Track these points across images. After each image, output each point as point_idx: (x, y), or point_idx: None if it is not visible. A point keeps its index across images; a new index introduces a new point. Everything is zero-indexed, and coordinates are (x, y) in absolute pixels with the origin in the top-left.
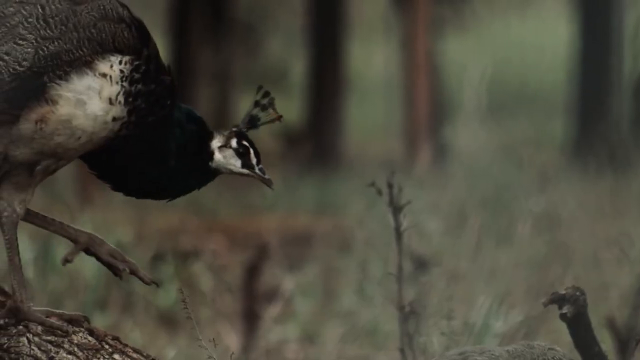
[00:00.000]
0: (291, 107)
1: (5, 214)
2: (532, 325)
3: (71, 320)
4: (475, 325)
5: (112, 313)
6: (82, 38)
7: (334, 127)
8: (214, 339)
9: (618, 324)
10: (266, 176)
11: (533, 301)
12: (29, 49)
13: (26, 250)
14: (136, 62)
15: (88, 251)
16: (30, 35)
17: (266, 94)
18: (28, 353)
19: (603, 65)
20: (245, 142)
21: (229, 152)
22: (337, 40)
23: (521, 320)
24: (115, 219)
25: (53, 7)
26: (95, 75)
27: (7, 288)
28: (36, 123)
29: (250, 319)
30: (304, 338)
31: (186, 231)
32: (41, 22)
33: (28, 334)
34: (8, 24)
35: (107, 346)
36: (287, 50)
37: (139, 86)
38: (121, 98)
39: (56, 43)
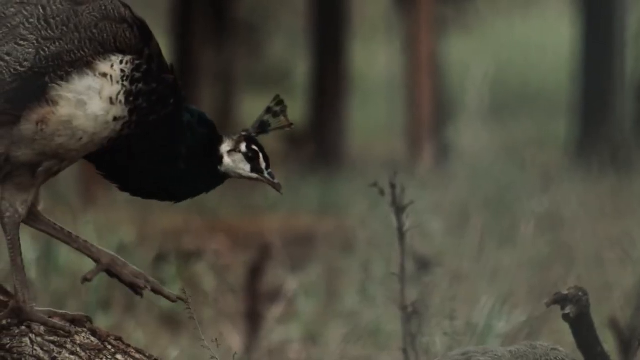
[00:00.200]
0: (294, 108)
1: (8, 214)
2: (534, 325)
3: (74, 321)
4: (477, 325)
5: (114, 313)
6: (84, 38)
7: (337, 127)
8: (216, 339)
9: (621, 324)
10: (275, 181)
11: (536, 301)
12: (30, 50)
13: (29, 250)
14: (137, 62)
15: (110, 272)
16: (32, 36)
17: (279, 102)
18: (31, 353)
19: (606, 65)
20: (254, 147)
21: (238, 157)
22: (340, 41)
23: (524, 321)
24: (118, 219)
25: (54, 7)
26: (95, 75)
27: (9, 288)
28: (37, 124)
29: (253, 319)
30: (307, 338)
31: (189, 231)
32: (42, 23)
33: (31, 334)
34: (9, 25)
35: (109, 346)
36: (289, 51)
37: (140, 85)
38: (122, 97)
39: (57, 43)
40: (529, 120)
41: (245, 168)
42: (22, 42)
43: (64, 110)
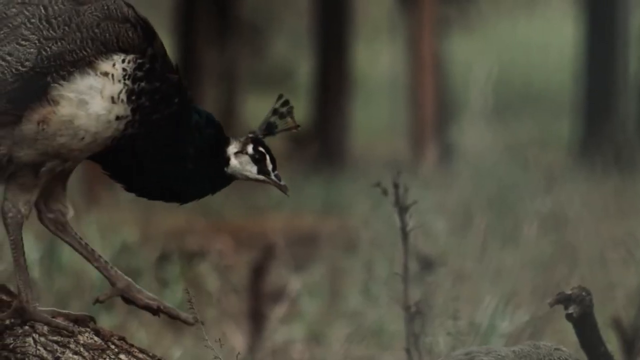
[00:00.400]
0: (297, 108)
1: (10, 214)
2: (538, 325)
3: (77, 321)
4: (481, 325)
5: (118, 313)
6: (86, 38)
7: (340, 127)
8: (219, 339)
9: (624, 324)
10: (282, 183)
11: (539, 301)
12: (32, 50)
13: (32, 250)
14: (140, 60)
15: (124, 297)
16: (33, 36)
17: (285, 103)
18: (34, 353)
19: (609, 65)
20: (261, 149)
21: (245, 158)
22: (343, 41)
23: (527, 321)
24: (121, 219)
25: (56, 7)
26: (97, 74)
27: (12, 288)
28: (38, 124)
29: (256, 319)
30: (310, 338)
31: (192, 231)
32: (44, 23)
33: (34, 334)
34: (10, 25)
35: (113, 346)
36: (292, 51)
37: (143, 84)
38: (124, 96)
39: (59, 43)
40: (532, 121)
41: (252, 170)
42: (23, 42)
43: (65, 109)
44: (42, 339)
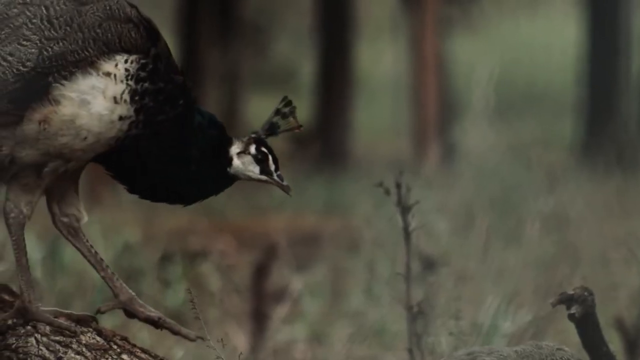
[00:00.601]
0: (299, 108)
1: (12, 215)
2: (540, 325)
3: (79, 321)
4: (483, 325)
5: (120, 313)
6: (87, 38)
7: (342, 127)
8: (222, 339)
9: (626, 324)
10: (284, 183)
11: (541, 301)
12: (33, 50)
13: (34, 250)
14: (143, 61)
15: (126, 310)
16: (35, 36)
17: (288, 103)
18: (36, 353)
19: (611, 65)
20: (264, 149)
21: (248, 159)
22: (345, 41)
23: (529, 321)
24: (123, 219)
25: (57, 7)
26: (99, 74)
27: (15, 288)
28: (39, 123)
29: (259, 319)
30: (312, 338)
31: (194, 231)
32: (45, 23)
33: (36, 334)
34: (12, 25)
35: (115, 346)
36: (295, 51)
37: (146, 84)
38: (126, 96)
39: (61, 44)
40: (534, 121)
41: (254, 170)
42: (24, 43)
43: (66, 109)
44: (45, 339)
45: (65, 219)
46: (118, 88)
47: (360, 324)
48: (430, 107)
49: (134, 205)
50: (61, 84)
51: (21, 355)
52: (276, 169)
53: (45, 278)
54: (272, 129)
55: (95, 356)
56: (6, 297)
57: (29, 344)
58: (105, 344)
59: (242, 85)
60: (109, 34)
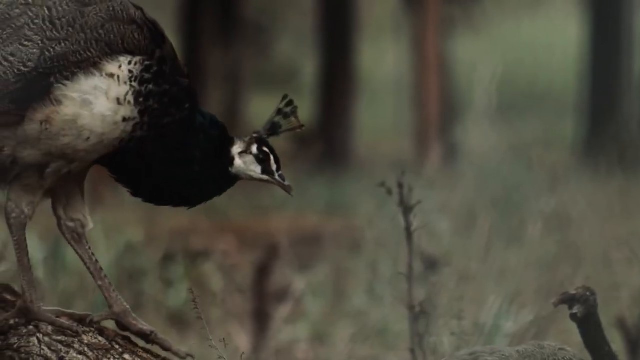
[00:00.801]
0: (301, 107)
1: (14, 215)
2: (542, 325)
3: (81, 321)
4: (485, 325)
5: None
6: (90, 39)
7: (344, 127)
8: (224, 339)
9: (628, 324)
10: (286, 183)
11: (543, 301)
12: (35, 50)
13: (36, 250)
14: (147, 63)
15: (119, 322)
16: (36, 37)
17: (289, 103)
18: (38, 353)
19: (613, 65)
20: (265, 149)
21: (249, 158)
22: (347, 40)
23: (531, 321)
24: (125, 219)
25: (60, 8)
26: (102, 75)
27: (17, 288)
28: (41, 123)
29: (261, 319)
30: (314, 338)
31: (196, 231)
32: (47, 24)
33: (38, 334)
34: (14, 26)
35: (117, 346)
36: (297, 51)
37: (150, 86)
38: (130, 98)
39: (63, 44)
40: (536, 120)
41: (256, 170)
42: (26, 43)
43: (68, 109)
44: (47, 338)
45: (70, 224)
46: (121, 89)
47: (362, 324)
48: (432, 107)
49: (136, 205)
50: (63, 84)
51: (23, 355)
52: (278, 169)
53: (48, 278)
54: (273, 128)
55: (97, 356)
56: (8, 297)
57: (31, 344)
58: (107, 343)
59: (244, 85)
60: (112, 35)
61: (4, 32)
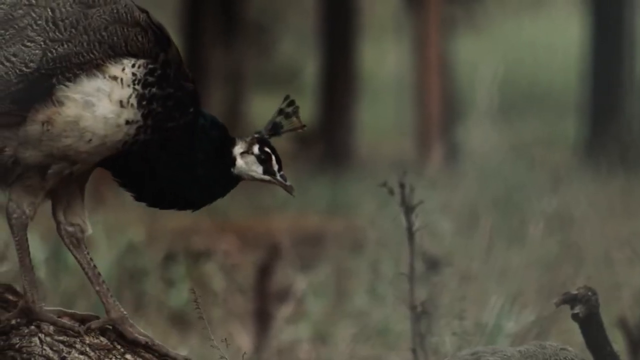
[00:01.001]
0: (303, 107)
1: (15, 215)
2: (544, 325)
3: (83, 320)
4: (487, 325)
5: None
6: (93, 41)
7: (346, 127)
8: (225, 339)
9: (630, 324)
10: (288, 183)
11: (545, 301)
12: (37, 51)
13: (38, 250)
14: (151, 66)
15: (115, 328)
16: (39, 38)
17: (291, 103)
18: (40, 353)
19: (615, 65)
20: (267, 149)
21: (251, 159)
22: (349, 40)
23: (533, 321)
24: (127, 219)
25: (63, 10)
26: (105, 77)
27: (19, 288)
28: (43, 124)
29: (262, 319)
30: (316, 338)
31: (198, 231)
32: (50, 25)
33: (40, 334)
34: (17, 26)
35: (119, 346)
36: (298, 51)
37: (154, 90)
38: (133, 101)
39: (65, 45)
40: (537, 120)
41: (257, 170)
42: (28, 44)
43: (70, 110)
44: (48, 338)
45: (70, 228)
46: (125, 92)
47: (364, 324)
48: (434, 107)
49: (137, 205)
50: (65, 86)
51: (25, 355)
52: (279, 169)
53: (49, 278)
54: (275, 128)
55: (99, 356)
56: (10, 297)
57: (32, 344)
58: (108, 343)
59: (246, 85)
60: (115, 37)
61: (7, 33)
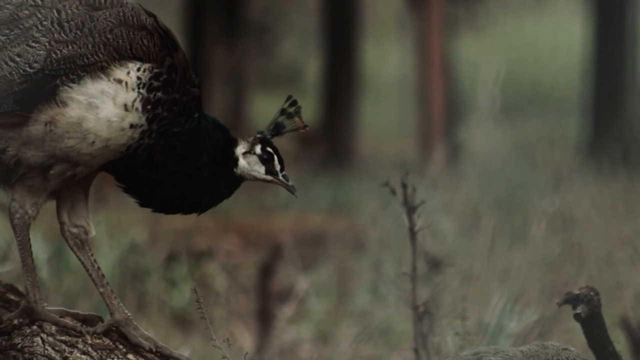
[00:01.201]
0: (305, 107)
1: (17, 215)
2: (546, 325)
3: (85, 320)
4: (489, 325)
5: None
6: (98, 43)
7: (348, 127)
8: (228, 338)
9: (632, 324)
10: (290, 183)
11: (547, 301)
12: (41, 52)
13: (40, 250)
14: (156, 70)
15: (119, 330)
16: (44, 38)
17: (293, 103)
18: (42, 353)
19: (617, 65)
20: (269, 149)
21: (253, 159)
22: (351, 40)
23: (535, 320)
24: (129, 219)
25: (69, 11)
26: (110, 80)
27: (21, 288)
28: (45, 125)
29: (264, 319)
30: (318, 338)
31: (200, 231)
32: (56, 26)
33: (42, 334)
34: (22, 27)
35: (121, 346)
36: (301, 51)
37: (159, 94)
38: (138, 105)
39: (70, 47)
40: (540, 120)
41: (260, 170)
42: (33, 44)
43: (73, 111)
44: (50, 338)
45: (74, 230)
46: (129, 96)
47: (366, 324)
48: (436, 106)
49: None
50: (69, 87)
51: (27, 355)
52: (282, 169)
53: (51, 278)
54: (277, 128)
55: (101, 356)
56: (12, 297)
57: (34, 344)
58: (111, 343)
59: (248, 85)
60: (120, 40)
61: (12, 33)
